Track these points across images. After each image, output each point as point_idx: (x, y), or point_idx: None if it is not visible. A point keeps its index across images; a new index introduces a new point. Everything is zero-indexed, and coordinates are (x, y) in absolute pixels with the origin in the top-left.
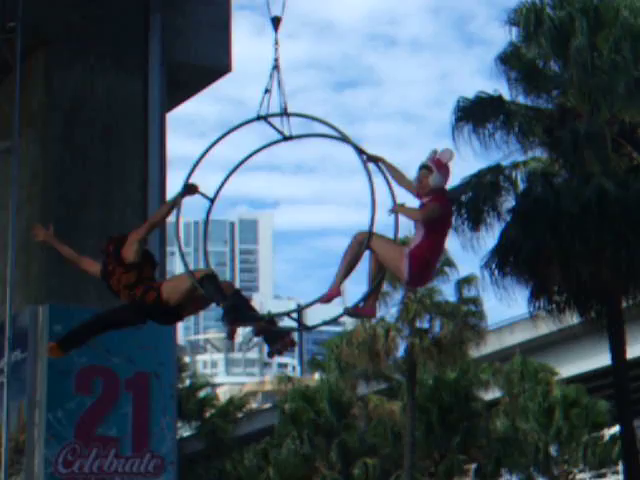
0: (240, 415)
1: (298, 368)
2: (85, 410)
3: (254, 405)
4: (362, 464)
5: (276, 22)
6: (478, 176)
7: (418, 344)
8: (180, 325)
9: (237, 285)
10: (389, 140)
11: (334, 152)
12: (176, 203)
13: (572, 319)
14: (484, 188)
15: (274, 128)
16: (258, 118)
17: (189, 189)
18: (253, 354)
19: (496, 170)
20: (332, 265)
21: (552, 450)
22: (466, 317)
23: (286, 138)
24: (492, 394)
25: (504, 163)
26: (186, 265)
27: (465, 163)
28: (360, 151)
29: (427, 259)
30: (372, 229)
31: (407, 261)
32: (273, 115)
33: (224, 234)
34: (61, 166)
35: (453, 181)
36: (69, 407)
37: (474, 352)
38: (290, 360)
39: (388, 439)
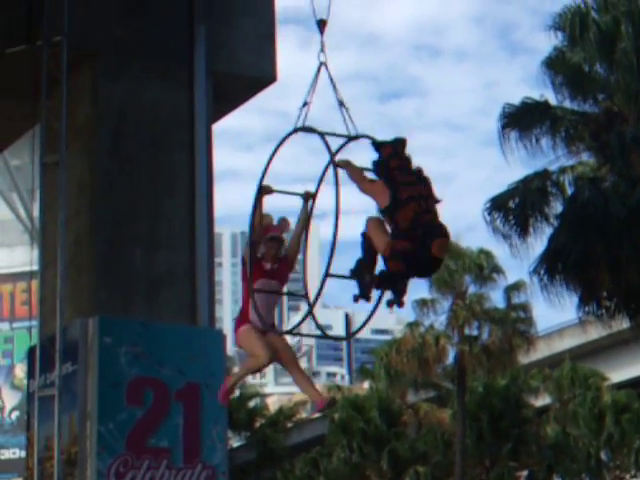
0: (290, 425)
1: (347, 377)
2: (136, 421)
3: (304, 415)
4: (413, 472)
5: (322, 25)
6: (525, 182)
7: (467, 351)
8: (229, 335)
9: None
10: (435, 150)
11: None
12: (257, 203)
13: (622, 324)
14: (532, 194)
15: (318, 133)
16: (296, 130)
17: (264, 189)
18: (302, 363)
19: (543, 175)
20: None
21: (603, 456)
22: (515, 323)
23: (350, 138)
24: (542, 400)
25: (551, 168)
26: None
27: (512, 170)
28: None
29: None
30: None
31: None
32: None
33: None
34: (109, 178)
35: (501, 188)
36: (120, 419)
37: (524, 358)
38: (339, 369)
39: (439, 447)
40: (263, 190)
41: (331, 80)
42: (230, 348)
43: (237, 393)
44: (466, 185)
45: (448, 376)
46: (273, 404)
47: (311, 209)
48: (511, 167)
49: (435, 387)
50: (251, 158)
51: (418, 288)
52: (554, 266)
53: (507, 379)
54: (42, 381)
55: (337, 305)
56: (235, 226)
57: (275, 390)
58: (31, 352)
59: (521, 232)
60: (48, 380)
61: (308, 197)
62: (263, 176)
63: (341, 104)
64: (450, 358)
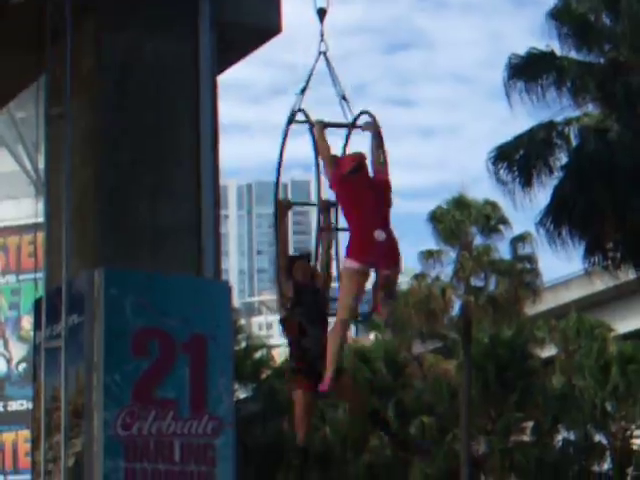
0: None
1: (353, 328)
2: (142, 372)
3: None
4: (419, 423)
5: (322, 14)
6: (531, 133)
7: (473, 302)
8: (235, 287)
9: (291, 246)
10: (441, 102)
11: (387, 115)
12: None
13: (628, 275)
14: (537, 145)
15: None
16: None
17: (283, 205)
18: None
19: (549, 126)
20: None
21: (609, 407)
22: (521, 275)
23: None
24: (548, 351)
25: (557, 119)
26: None
27: (518, 122)
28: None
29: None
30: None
31: None
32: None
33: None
34: (113, 130)
35: (504, 138)
36: (127, 370)
37: (530, 309)
38: None
39: (444, 398)
40: (281, 206)
41: (331, 72)
42: (235, 300)
43: (243, 345)
44: (472, 137)
45: (454, 327)
46: (279, 355)
47: (335, 219)
48: (517, 119)
49: (441, 338)
50: (258, 110)
51: (424, 239)
52: (559, 217)
53: (513, 330)
54: (48, 333)
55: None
56: (241, 178)
57: (281, 341)
58: (37, 304)
59: (525, 183)
60: (54, 332)
61: (325, 207)
62: (277, 188)
63: (343, 98)
64: (456, 309)
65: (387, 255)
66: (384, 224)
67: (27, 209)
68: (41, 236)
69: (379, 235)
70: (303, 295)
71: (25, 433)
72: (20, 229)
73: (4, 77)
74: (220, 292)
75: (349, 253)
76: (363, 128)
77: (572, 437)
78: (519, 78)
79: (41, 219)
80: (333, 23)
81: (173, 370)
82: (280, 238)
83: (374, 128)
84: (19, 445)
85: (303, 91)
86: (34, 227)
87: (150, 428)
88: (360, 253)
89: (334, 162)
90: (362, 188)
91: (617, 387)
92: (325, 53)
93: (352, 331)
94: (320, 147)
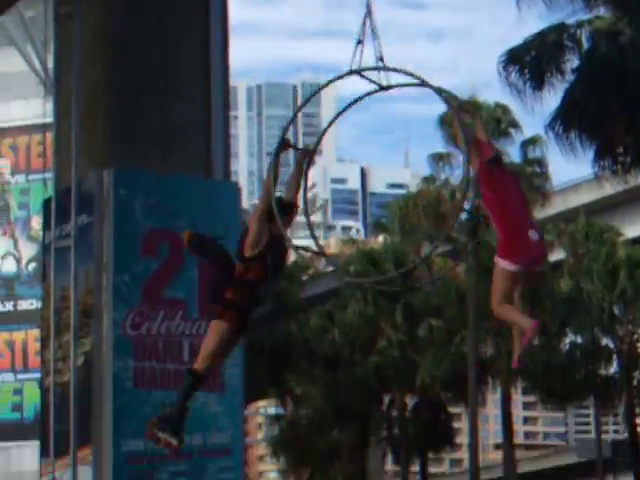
0: (305, 278)
1: (362, 231)
2: (151, 273)
3: (319, 268)
4: (427, 325)
5: None
6: (541, 35)
7: (482, 205)
8: (244, 189)
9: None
10: (452, 4)
11: (398, 17)
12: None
13: (637, 179)
14: (548, 47)
15: (370, 80)
16: (351, 72)
17: (286, 143)
18: (316, 217)
19: (560, 29)
20: (395, 130)
21: (616, 310)
22: (531, 178)
23: (382, 88)
24: (557, 255)
25: (568, 22)
26: None
27: (531, 26)
28: (451, 106)
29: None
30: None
31: None
32: (367, 69)
33: (286, 98)
34: (123, 29)
35: (516, 41)
36: (136, 270)
37: (539, 213)
38: (354, 223)
39: (452, 300)
40: (285, 145)
41: (373, 31)
42: (245, 202)
43: None
44: (484, 40)
45: (463, 230)
46: (289, 256)
47: (307, 164)
48: (527, 23)
49: (450, 241)
50: (269, 11)
51: (434, 142)
52: (570, 120)
53: None
54: (58, 233)
55: (352, 159)
56: (251, 79)
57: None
58: (46, 204)
59: (536, 86)
60: (64, 232)
61: (305, 154)
62: (290, 123)
63: (380, 59)
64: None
65: (540, 253)
66: (532, 222)
67: (36, 109)
68: (50, 136)
69: (533, 235)
70: (275, 246)
71: (35, 332)
72: (29, 129)
73: None
74: (229, 193)
75: (505, 253)
76: (464, 111)
77: (579, 340)
78: None
79: (50, 119)
80: None
81: (182, 271)
82: (274, 173)
83: (473, 114)
84: (29, 344)
85: (359, 42)
86: (43, 127)
87: (159, 328)
88: (519, 255)
89: (478, 149)
90: (506, 181)
91: (625, 291)
92: (370, 12)
93: (362, 233)
94: (469, 132)
